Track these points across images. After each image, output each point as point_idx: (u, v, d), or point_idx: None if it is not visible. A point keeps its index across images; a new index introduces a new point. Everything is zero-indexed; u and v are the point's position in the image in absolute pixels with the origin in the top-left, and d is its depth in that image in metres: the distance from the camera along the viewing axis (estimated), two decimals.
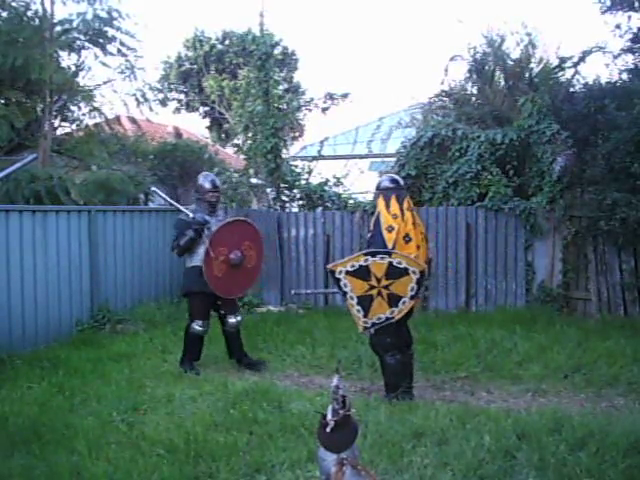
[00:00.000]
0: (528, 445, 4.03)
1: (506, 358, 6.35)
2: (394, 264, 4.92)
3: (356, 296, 5.03)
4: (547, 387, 5.63)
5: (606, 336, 6.92)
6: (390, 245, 5.01)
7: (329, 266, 5.32)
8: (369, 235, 5.27)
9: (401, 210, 5.15)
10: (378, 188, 5.39)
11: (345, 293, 5.07)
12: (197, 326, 6.20)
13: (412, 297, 4.96)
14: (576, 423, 4.33)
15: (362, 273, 4.98)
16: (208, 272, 5.99)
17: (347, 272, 5.02)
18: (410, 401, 5.14)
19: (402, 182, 5.49)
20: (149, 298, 8.85)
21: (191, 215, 6.20)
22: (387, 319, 5.02)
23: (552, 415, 4.54)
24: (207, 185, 6.33)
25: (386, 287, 4.96)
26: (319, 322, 8.05)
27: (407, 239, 5.09)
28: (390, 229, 5.06)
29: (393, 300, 4.98)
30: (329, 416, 2.31)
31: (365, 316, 5.03)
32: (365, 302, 5.02)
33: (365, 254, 5.05)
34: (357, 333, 6.84)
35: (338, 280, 5.05)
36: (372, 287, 4.99)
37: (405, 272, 4.92)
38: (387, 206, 5.17)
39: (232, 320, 6.35)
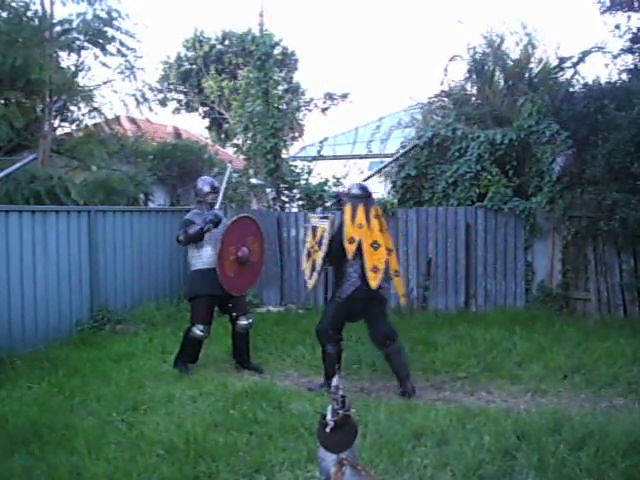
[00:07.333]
0: (528, 445, 4.03)
1: (506, 358, 6.35)
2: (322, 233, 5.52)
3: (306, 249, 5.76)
4: (547, 387, 5.63)
5: (606, 336, 6.92)
6: (350, 256, 5.31)
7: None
8: (329, 239, 5.53)
9: (367, 219, 5.39)
10: (347, 195, 5.63)
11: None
12: (198, 330, 6.19)
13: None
14: (576, 423, 4.34)
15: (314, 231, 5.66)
16: (222, 273, 6.09)
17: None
18: (409, 399, 5.24)
19: (370, 190, 5.76)
20: (149, 298, 8.85)
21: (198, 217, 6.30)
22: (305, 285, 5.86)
23: (552, 415, 4.55)
24: (206, 188, 6.49)
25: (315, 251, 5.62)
26: None
27: (375, 245, 5.37)
28: (351, 241, 5.33)
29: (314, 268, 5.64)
30: (329, 416, 2.31)
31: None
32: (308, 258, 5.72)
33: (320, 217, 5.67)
34: (357, 334, 6.86)
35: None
36: (312, 246, 5.66)
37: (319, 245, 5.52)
38: (353, 216, 5.39)
39: (244, 322, 6.38)
